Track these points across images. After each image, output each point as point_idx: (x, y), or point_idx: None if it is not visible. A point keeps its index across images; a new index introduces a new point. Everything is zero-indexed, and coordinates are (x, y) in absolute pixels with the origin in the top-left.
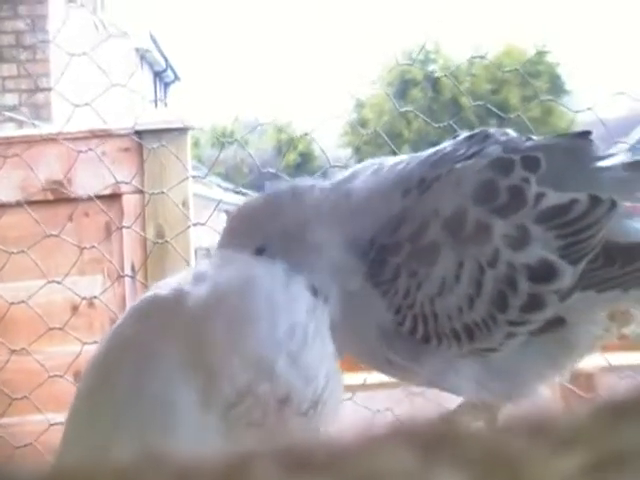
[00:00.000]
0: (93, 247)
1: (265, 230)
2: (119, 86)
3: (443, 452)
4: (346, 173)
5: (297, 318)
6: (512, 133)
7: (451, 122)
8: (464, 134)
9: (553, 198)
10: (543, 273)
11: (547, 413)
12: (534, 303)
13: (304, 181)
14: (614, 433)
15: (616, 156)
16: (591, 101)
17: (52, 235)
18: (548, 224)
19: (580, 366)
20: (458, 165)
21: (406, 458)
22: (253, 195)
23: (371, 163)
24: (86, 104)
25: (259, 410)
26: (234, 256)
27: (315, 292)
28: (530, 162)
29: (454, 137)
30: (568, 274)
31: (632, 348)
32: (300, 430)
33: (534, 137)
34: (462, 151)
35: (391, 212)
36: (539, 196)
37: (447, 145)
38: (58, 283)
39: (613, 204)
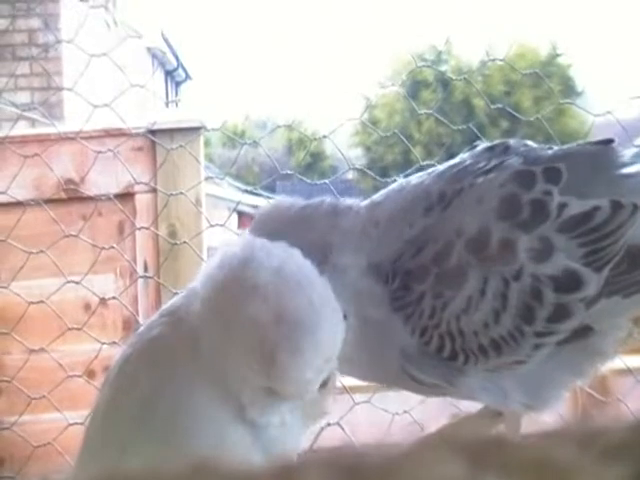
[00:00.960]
0: (111, 247)
1: (291, 239)
2: (138, 87)
3: (492, 460)
4: (379, 195)
5: (271, 249)
6: (532, 144)
7: (469, 125)
8: (483, 145)
9: (575, 207)
10: (568, 283)
11: (592, 423)
12: (560, 313)
13: (345, 200)
14: None
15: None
16: (605, 103)
17: (71, 235)
18: (571, 233)
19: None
20: (479, 179)
21: (456, 467)
22: (272, 196)
23: (399, 183)
24: (105, 105)
25: (253, 330)
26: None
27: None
28: (552, 174)
29: (472, 148)
30: (593, 282)
31: None
32: (301, 350)
33: (554, 147)
34: (482, 164)
35: (412, 232)
36: (561, 206)
37: (466, 157)
38: (76, 283)
39: (635, 208)
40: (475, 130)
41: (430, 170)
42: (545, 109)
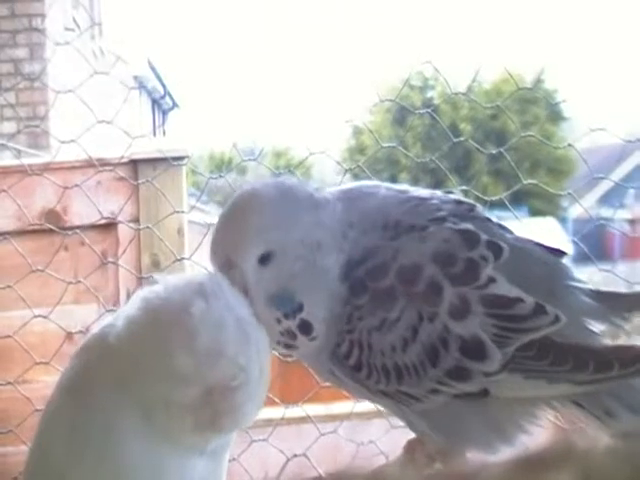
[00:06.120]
0: (80, 281)
1: (273, 235)
2: (105, 122)
3: None
4: (351, 189)
5: (182, 305)
6: (494, 219)
7: (432, 158)
8: (454, 196)
9: (502, 288)
10: (473, 350)
11: (468, 467)
12: (460, 374)
13: (319, 191)
14: None
15: (585, 282)
16: (584, 130)
17: (38, 270)
18: (490, 310)
19: None
20: (431, 228)
21: None
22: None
23: (375, 185)
24: (72, 140)
25: (189, 410)
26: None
27: (309, 327)
28: (494, 247)
29: (447, 192)
30: (496, 359)
31: None
32: (233, 411)
33: (514, 234)
34: (443, 213)
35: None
36: (490, 279)
37: (437, 197)
38: (44, 317)
39: (557, 319)
40: (462, 155)
41: (403, 188)
42: (532, 134)
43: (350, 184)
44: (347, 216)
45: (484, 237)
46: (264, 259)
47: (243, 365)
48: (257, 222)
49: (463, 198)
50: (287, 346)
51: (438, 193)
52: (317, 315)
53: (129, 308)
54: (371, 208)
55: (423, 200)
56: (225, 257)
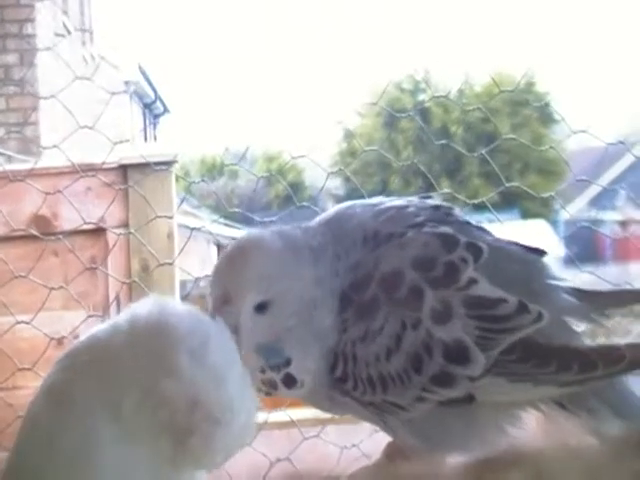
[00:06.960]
0: (62, 286)
1: (275, 285)
2: (87, 128)
3: None
4: (331, 217)
5: (195, 323)
6: (475, 223)
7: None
8: (432, 201)
9: (484, 289)
10: (457, 355)
11: (429, 467)
12: (444, 379)
13: (314, 235)
14: None
15: (565, 280)
16: (566, 134)
17: (21, 276)
18: (472, 311)
19: None
20: (410, 233)
21: None
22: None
23: (352, 208)
24: (54, 146)
25: (165, 410)
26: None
27: (293, 381)
28: (473, 248)
29: (424, 197)
30: (480, 362)
31: None
32: (212, 441)
33: (494, 235)
34: (421, 218)
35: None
36: (471, 281)
37: (413, 204)
38: (27, 323)
39: (540, 316)
40: (452, 159)
41: (378, 201)
42: (522, 134)
43: (328, 212)
44: (335, 252)
45: (463, 239)
46: (261, 307)
47: (232, 404)
48: (261, 268)
49: (441, 202)
50: (267, 394)
51: (415, 200)
52: (306, 368)
53: (121, 320)
54: (350, 229)
55: (399, 209)
56: (223, 290)
